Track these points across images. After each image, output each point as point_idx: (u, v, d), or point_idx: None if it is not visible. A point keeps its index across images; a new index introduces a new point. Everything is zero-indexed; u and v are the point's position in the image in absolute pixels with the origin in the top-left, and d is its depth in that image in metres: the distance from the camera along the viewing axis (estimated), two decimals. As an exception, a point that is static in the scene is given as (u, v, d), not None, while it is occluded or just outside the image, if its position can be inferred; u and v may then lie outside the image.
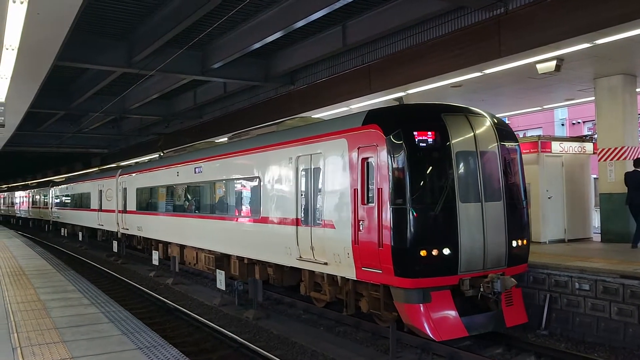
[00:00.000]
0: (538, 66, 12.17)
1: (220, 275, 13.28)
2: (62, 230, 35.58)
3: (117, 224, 24.09)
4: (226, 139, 17.12)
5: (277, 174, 11.86)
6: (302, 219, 10.84)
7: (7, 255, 18.45)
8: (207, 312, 12.92)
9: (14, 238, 28.89)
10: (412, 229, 8.47)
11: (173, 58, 16.16)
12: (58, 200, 38.26)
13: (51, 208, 40.27)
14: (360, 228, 9.18)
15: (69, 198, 34.67)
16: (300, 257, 10.90)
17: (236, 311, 12.78)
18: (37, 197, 46.39)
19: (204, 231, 15.56)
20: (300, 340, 10.20)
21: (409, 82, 14.32)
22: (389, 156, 8.75)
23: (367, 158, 9.19)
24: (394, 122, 9.07)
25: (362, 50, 17.09)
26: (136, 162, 28.17)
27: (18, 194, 57.17)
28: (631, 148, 14.03)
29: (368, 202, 9.13)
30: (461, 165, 8.92)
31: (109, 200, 25.21)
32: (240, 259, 13.78)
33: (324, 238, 10.13)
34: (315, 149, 10.54)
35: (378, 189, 8.84)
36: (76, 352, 6.62)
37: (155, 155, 25.89)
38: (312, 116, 15.99)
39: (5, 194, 67.79)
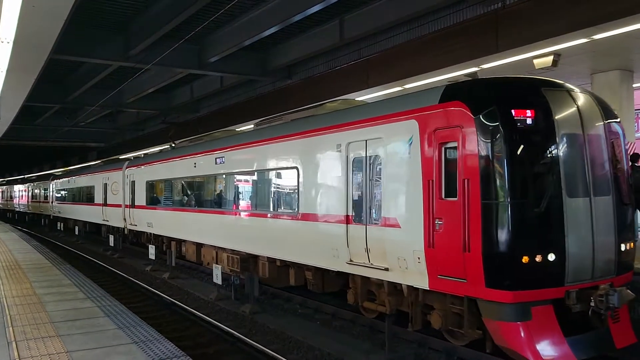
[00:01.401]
0: (535, 61, 12.16)
1: (217, 270, 13.26)
2: (59, 225, 35.47)
3: (124, 219, 22.32)
4: (252, 126, 15.46)
5: (320, 164, 10.23)
6: (354, 216, 9.25)
7: (3, 249, 18.40)
8: (204, 306, 12.91)
9: (10, 232, 28.83)
10: (512, 229, 7.01)
11: (170, 52, 16.10)
12: (59, 195, 36.26)
13: (52, 202, 38.31)
14: (437, 227, 7.67)
15: (71, 192, 32.87)
16: (351, 260, 9.24)
17: (232, 306, 12.77)
18: (37, 191, 44.22)
19: (226, 229, 13.91)
20: (296, 334, 10.20)
21: (406, 76, 14.30)
22: (479, 140, 7.23)
23: (447, 142, 7.64)
24: (485, 98, 7.56)
25: (359, 44, 17.04)
26: (145, 154, 25.94)
27: (17, 187, 54.71)
28: (629, 144, 14.05)
29: (448, 196, 7.58)
30: (567, 150, 7.42)
31: (115, 195, 23.46)
32: (271, 260, 12.15)
33: (385, 239, 8.57)
34: (373, 134, 8.91)
35: (463, 180, 7.31)
36: (71, 346, 6.61)
37: (163, 148, 24.16)
38: (356, 99, 14.40)
39: (4, 187, 65.26)
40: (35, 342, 6.77)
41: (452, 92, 7.94)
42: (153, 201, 19.19)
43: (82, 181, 29.94)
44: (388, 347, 8.82)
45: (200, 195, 15.85)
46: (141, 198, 20.16)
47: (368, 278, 9.36)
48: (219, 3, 13.65)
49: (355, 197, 9.30)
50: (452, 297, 7.94)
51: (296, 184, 10.78)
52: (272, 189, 12.19)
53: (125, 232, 22.65)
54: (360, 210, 9.16)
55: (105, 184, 24.82)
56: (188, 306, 12.69)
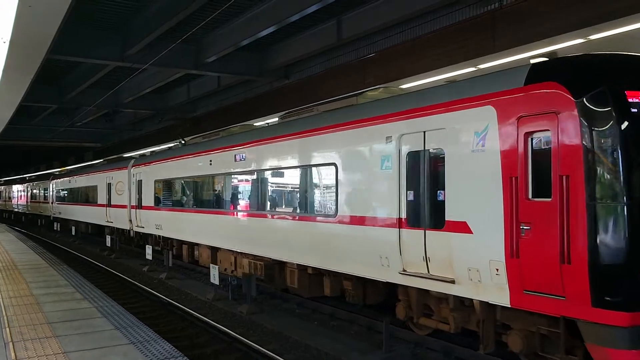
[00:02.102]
0: (532, 61, 12.15)
1: (214, 270, 13.25)
2: (55, 225, 35.36)
3: (130, 221, 20.99)
4: (276, 119, 14.02)
5: (364, 159, 8.98)
6: (409, 219, 8.00)
7: (0, 250, 18.36)
8: (201, 306, 12.90)
9: (7, 232, 28.76)
10: (629, 236, 5.78)
11: (166, 52, 16.07)
12: (60, 195, 34.75)
13: (52, 203, 36.76)
14: (523, 233, 6.48)
15: (72, 192, 31.37)
16: (404, 270, 8.04)
17: (230, 306, 12.77)
18: (36, 191, 42.77)
19: (247, 232, 12.63)
20: (294, 334, 10.20)
21: (403, 76, 14.31)
22: (582, 128, 6.00)
23: (536, 132, 6.45)
24: (591, 78, 6.30)
25: (357, 44, 17.05)
26: (152, 151, 23.93)
27: (16, 187, 52.99)
28: None
29: (538, 195, 6.41)
30: None
31: (120, 195, 22.14)
32: (302, 267, 10.89)
33: (451, 246, 7.37)
34: (433, 124, 7.69)
35: (560, 176, 6.13)
36: (69, 347, 6.60)
37: (172, 144, 22.59)
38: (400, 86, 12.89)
39: (2, 187, 63.53)
40: (32, 343, 6.76)
41: (542, 72, 6.79)
42: (163, 202, 18.05)
43: (84, 181, 28.63)
44: (385, 346, 8.82)
45: (217, 196, 14.59)
46: (149, 198, 18.92)
47: (426, 291, 8.06)
48: (215, 3, 13.64)
49: (410, 198, 8.04)
50: (539, 317, 6.67)
51: (334, 182, 9.57)
52: (303, 188, 10.98)
53: (131, 234, 21.41)
54: (416, 213, 7.94)
55: (109, 184, 23.58)
56: (185, 306, 12.67)
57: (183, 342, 9.91)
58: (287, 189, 11.72)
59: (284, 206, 11.82)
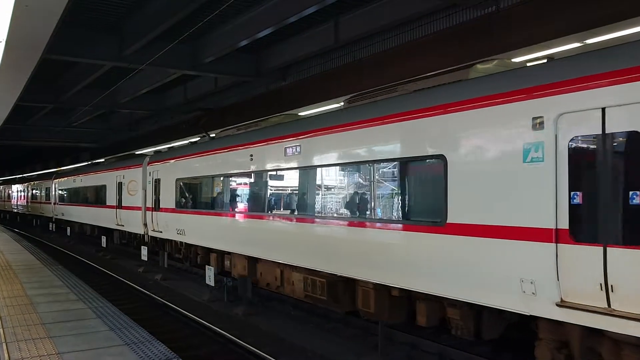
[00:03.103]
0: (529, 65, 12.18)
1: (210, 272, 13.22)
2: (50, 225, 35.22)
3: (145, 225, 18.77)
4: (338, 104, 11.79)
5: (493, 149, 6.85)
6: (575, 230, 5.87)
7: (-6, 250, 18.28)
8: (196, 308, 12.88)
9: (2, 233, 28.65)
10: None
11: (164, 52, 16.04)
12: (63, 195, 32.32)
13: (54, 204, 34.30)
14: None
15: (77, 192, 28.97)
16: (563, 301, 5.92)
17: (225, 307, 12.74)
18: (37, 191, 40.08)
19: (304, 241, 10.24)
20: (289, 337, 10.19)
21: (401, 79, 14.29)
22: None
23: None
24: None
25: (354, 46, 17.05)
26: (170, 147, 21.25)
27: (15, 187, 50.09)
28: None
29: None
30: None
31: (132, 195, 20.04)
32: (383, 288, 8.58)
33: None
34: (622, 95, 5.51)
35: None
36: (63, 347, 6.57)
37: (194, 139, 19.92)
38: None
39: (0, 187, 60.74)
40: (26, 344, 6.72)
41: None
42: (187, 203, 15.73)
43: (90, 180, 26.30)
44: (381, 349, 8.81)
45: (258, 196, 12.19)
46: (169, 199, 16.61)
47: (599, 331, 5.87)
48: (213, 4, 13.62)
49: (576, 201, 5.95)
50: None
51: (440, 180, 7.43)
52: (390, 188, 8.80)
53: (146, 239, 19.12)
54: (589, 222, 5.80)
55: (120, 183, 21.46)
56: (180, 308, 12.65)
57: (178, 343, 9.88)
58: (362, 188, 9.42)
59: (357, 210, 9.32)
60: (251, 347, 9.32)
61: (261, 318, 11.74)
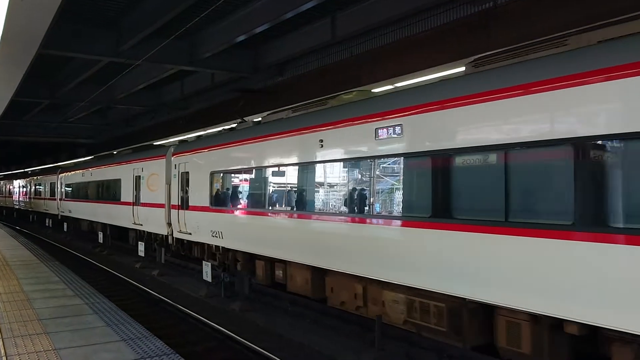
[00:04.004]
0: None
1: (207, 267, 13.21)
2: (47, 221, 35.11)
3: (169, 224, 16.75)
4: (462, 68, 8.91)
5: None
6: None
7: (-10, 246, 18.24)
8: (193, 303, 12.87)
9: (-2, 228, 28.61)
10: None
11: (160, 48, 15.98)
12: (70, 190, 29.94)
13: (59, 200, 32.15)
14: None
15: (86, 187, 26.57)
16: None
17: (222, 303, 12.74)
18: (40, 186, 37.50)
19: (406, 252, 8.09)
20: (286, 332, 10.20)
21: (398, 75, 14.30)
22: None
23: None
24: None
25: (351, 42, 17.02)
26: (199, 136, 18.58)
27: (17, 183, 47.47)
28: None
29: None
30: None
31: (153, 191, 17.84)
32: (548, 320, 6.40)
33: None
34: None
35: None
36: (59, 343, 6.56)
37: (231, 125, 17.12)
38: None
39: (0, 182, 58.27)
40: (23, 340, 6.71)
41: None
42: (225, 201, 13.58)
43: (102, 174, 23.95)
44: (378, 345, 8.82)
45: (338, 191, 10.00)
46: (201, 196, 14.48)
47: None
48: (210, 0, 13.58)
49: None
50: None
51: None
52: (562, 179, 6.14)
53: (169, 241, 16.93)
54: None
55: (138, 177, 19.29)
56: (177, 303, 12.64)
57: (175, 339, 9.88)
58: (509, 180, 6.68)
59: (505, 211, 6.66)
60: (248, 343, 9.33)
61: (258, 314, 11.74)
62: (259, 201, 12.08)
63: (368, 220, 8.95)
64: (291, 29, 17.37)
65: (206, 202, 14.15)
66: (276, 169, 11.51)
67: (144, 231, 19.35)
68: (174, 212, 16.22)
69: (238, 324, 10.97)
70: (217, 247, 14.05)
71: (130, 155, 21.50)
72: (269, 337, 9.98)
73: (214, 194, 13.99)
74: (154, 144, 23.82)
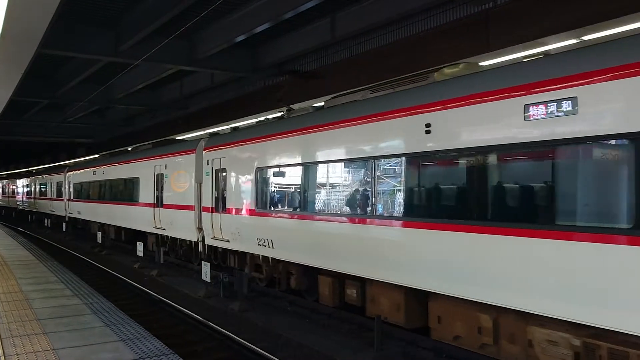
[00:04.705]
0: (525, 61, 12.15)
1: (206, 267, 13.19)
2: (46, 221, 35.07)
3: (199, 229, 14.89)
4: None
5: None
6: None
7: (-11, 246, 18.22)
8: (192, 304, 12.85)
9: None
10: None
11: (160, 47, 15.98)
12: (79, 190, 27.82)
13: (67, 200, 29.96)
14: None
15: (98, 187, 24.50)
16: None
17: (221, 303, 12.72)
18: (46, 185, 35.34)
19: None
20: (285, 332, 10.18)
21: (397, 75, 14.28)
22: None
23: None
24: None
25: (350, 42, 17.01)
26: (233, 128, 16.27)
27: (20, 182, 44.95)
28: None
29: None
30: None
31: (180, 190, 15.97)
32: None
33: None
34: None
35: None
36: (58, 343, 6.54)
37: (265, 117, 15.29)
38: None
39: (4, 182, 55.45)
40: (21, 340, 6.69)
41: None
42: (278, 203, 11.76)
43: (116, 171, 21.98)
44: (377, 345, 8.81)
45: (456, 191, 7.71)
46: (243, 197, 12.55)
47: None
48: (209, -1, 13.58)
49: None
50: None
51: None
52: None
53: (200, 248, 15.10)
54: None
55: (160, 175, 17.36)
56: (176, 304, 12.62)
57: (174, 339, 9.86)
58: None
59: None
60: (247, 343, 9.31)
61: (257, 314, 11.72)
62: (329, 204, 10.11)
63: (514, 232, 6.51)
64: (290, 29, 17.37)
65: (250, 204, 12.14)
66: (356, 163, 9.33)
67: (166, 236, 17.40)
68: (206, 215, 14.22)
69: (237, 324, 10.95)
70: (264, 257, 11.99)
71: (150, 151, 19.29)
72: (268, 337, 9.96)
73: (261, 194, 11.88)
74: (177, 138, 21.39)
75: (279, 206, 11.67)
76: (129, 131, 35.35)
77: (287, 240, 10.99)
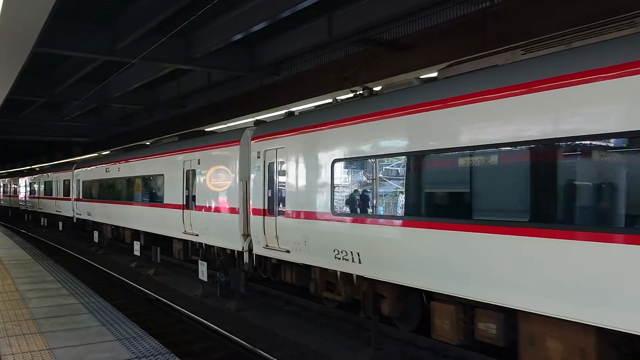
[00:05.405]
0: None
1: (202, 267, 13.17)
2: (42, 220, 34.97)
3: (245, 236, 12.42)
4: None
5: None
6: None
7: (-15, 245, 18.16)
8: (189, 303, 12.82)
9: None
10: None
11: (156, 46, 15.94)
12: (89, 189, 25.37)
13: (75, 200, 27.41)
14: None
15: (112, 185, 22.05)
16: None
17: (218, 302, 12.70)
18: (51, 184, 32.79)
19: None
20: (282, 332, 10.17)
21: (394, 74, 14.28)
22: None
23: None
24: None
25: (347, 41, 17.00)
26: (288, 112, 12.77)
27: (23, 181, 42.36)
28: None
29: None
30: None
31: (219, 190, 13.44)
32: None
33: None
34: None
35: None
36: (54, 343, 6.52)
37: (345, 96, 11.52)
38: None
39: (5, 180, 52.64)
40: (17, 339, 6.66)
41: None
42: (371, 205, 8.94)
43: (134, 168, 19.55)
44: (374, 344, 8.81)
45: None
46: (313, 196, 10.06)
47: None
48: (206, -2, 13.54)
49: None
50: None
51: None
52: None
53: (245, 259, 12.46)
54: None
55: (192, 172, 14.89)
56: (173, 303, 12.59)
57: (170, 338, 9.84)
58: None
59: None
60: (244, 343, 9.30)
61: (254, 313, 11.71)
62: (468, 206, 7.18)
63: None
64: (288, 27, 17.35)
65: (324, 206, 9.66)
66: (512, 148, 6.65)
67: (200, 243, 14.85)
68: (256, 219, 11.75)
69: (234, 323, 10.93)
70: (343, 274, 9.55)
71: (178, 144, 16.70)
72: (265, 336, 9.95)
73: (341, 193, 9.53)
74: (206, 129, 19.14)
75: (372, 209, 8.89)
76: (125, 130, 35.30)
77: (384, 254, 8.41)
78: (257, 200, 11.81)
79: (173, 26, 14.77)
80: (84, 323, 7.51)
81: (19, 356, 6.01)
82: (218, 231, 13.55)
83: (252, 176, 12.09)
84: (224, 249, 13.67)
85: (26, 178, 41.55)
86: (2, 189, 53.38)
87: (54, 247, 25.31)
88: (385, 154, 8.60)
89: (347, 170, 9.58)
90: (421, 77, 9.55)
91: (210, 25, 17.14)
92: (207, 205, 14.05)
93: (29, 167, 49.13)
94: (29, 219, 40.84)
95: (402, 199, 8.40)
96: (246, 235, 12.36)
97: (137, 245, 18.41)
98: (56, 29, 14.66)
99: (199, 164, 14.47)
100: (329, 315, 11.08)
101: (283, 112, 13.76)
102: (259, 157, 11.82)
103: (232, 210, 12.76)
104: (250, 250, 12.23)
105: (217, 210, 13.55)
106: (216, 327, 10.33)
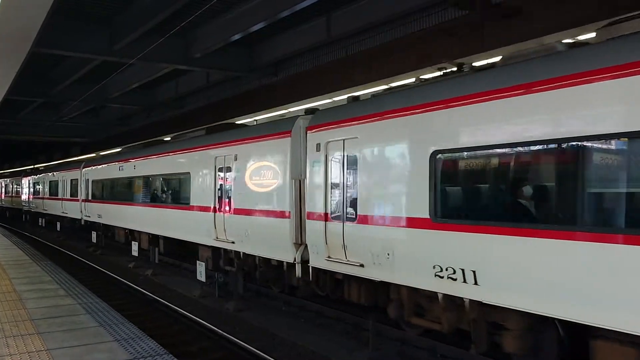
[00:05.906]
0: None
1: (201, 267, 13.16)
2: (40, 220, 34.88)
3: (297, 245, 10.36)
4: None
5: None
6: None
7: (-17, 245, 18.13)
8: (187, 303, 12.81)
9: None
10: None
11: (155, 46, 15.93)
12: (99, 189, 23.03)
13: (83, 201, 25.13)
14: None
15: (127, 185, 19.82)
16: None
17: (216, 303, 12.69)
18: (57, 184, 30.32)
19: None
20: (281, 332, 10.16)
21: (393, 74, 14.30)
22: None
23: None
24: None
25: (346, 42, 17.01)
26: (352, 97, 10.35)
27: (26, 180, 39.79)
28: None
29: None
30: None
31: (261, 190, 11.45)
32: None
33: None
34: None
35: None
36: (51, 343, 6.50)
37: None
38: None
39: (7, 180, 49.86)
40: (15, 340, 6.65)
41: None
42: (492, 208, 7.00)
43: (153, 166, 17.25)
44: (372, 345, 8.80)
45: None
46: (398, 198, 8.08)
47: None
48: (205, -2, 13.54)
49: None
50: None
51: None
52: None
53: (297, 272, 10.28)
54: None
55: (226, 169, 12.81)
56: (171, 303, 12.58)
57: (168, 339, 9.82)
58: None
59: None
60: (242, 343, 9.29)
61: (252, 313, 11.70)
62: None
63: None
64: (286, 28, 17.35)
65: (419, 210, 7.57)
66: None
67: (236, 252, 12.58)
68: (314, 224, 9.72)
69: (232, 323, 10.92)
70: (447, 297, 7.38)
71: (207, 138, 14.35)
72: (263, 337, 9.94)
73: (445, 194, 7.50)
74: (236, 122, 17.30)
75: (497, 215, 6.76)
76: (124, 130, 35.29)
77: (527, 276, 6.16)
78: (315, 203, 9.68)
79: (172, 26, 14.76)
80: (82, 324, 7.50)
81: (17, 357, 6.00)
82: (261, 239, 11.43)
83: (308, 174, 9.96)
84: (267, 260, 11.57)
85: (29, 178, 38.92)
86: (3, 189, 50.85)
87: (51, 247, 25.26)
88: (527, 141, 6.22)
89: (456, 163, 7.44)
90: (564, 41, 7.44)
91: (209, 25, 17.13)
92: (247, 208, 11.87)
93: (32, 167, 46.60)
94: (27, 219, 40.60)
95: (547, 201, 6.38)
96: (299, 244, 10.32)
97: (135, 246, 18.36)
98: (54, 29, 14.64)
99: (236, 159, 12.32)
100: (327, 315, 11.08)
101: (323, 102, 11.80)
102: (318, 151, 9.67)
103: (281, 215, 10.68)
104: (304, 261, 10.19)
105: (260, 214, 11.40)
106: (214, 328, 10.32)
